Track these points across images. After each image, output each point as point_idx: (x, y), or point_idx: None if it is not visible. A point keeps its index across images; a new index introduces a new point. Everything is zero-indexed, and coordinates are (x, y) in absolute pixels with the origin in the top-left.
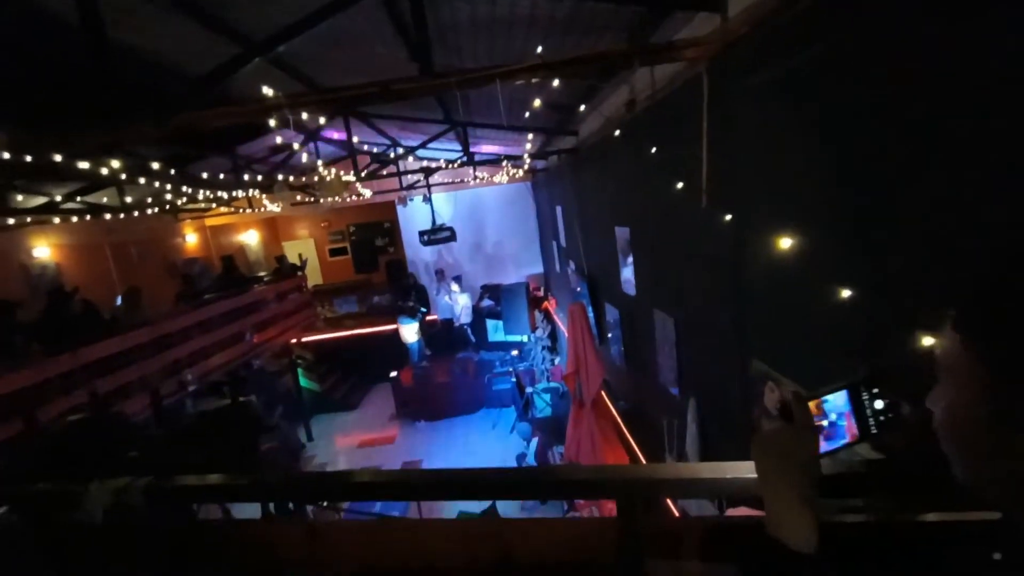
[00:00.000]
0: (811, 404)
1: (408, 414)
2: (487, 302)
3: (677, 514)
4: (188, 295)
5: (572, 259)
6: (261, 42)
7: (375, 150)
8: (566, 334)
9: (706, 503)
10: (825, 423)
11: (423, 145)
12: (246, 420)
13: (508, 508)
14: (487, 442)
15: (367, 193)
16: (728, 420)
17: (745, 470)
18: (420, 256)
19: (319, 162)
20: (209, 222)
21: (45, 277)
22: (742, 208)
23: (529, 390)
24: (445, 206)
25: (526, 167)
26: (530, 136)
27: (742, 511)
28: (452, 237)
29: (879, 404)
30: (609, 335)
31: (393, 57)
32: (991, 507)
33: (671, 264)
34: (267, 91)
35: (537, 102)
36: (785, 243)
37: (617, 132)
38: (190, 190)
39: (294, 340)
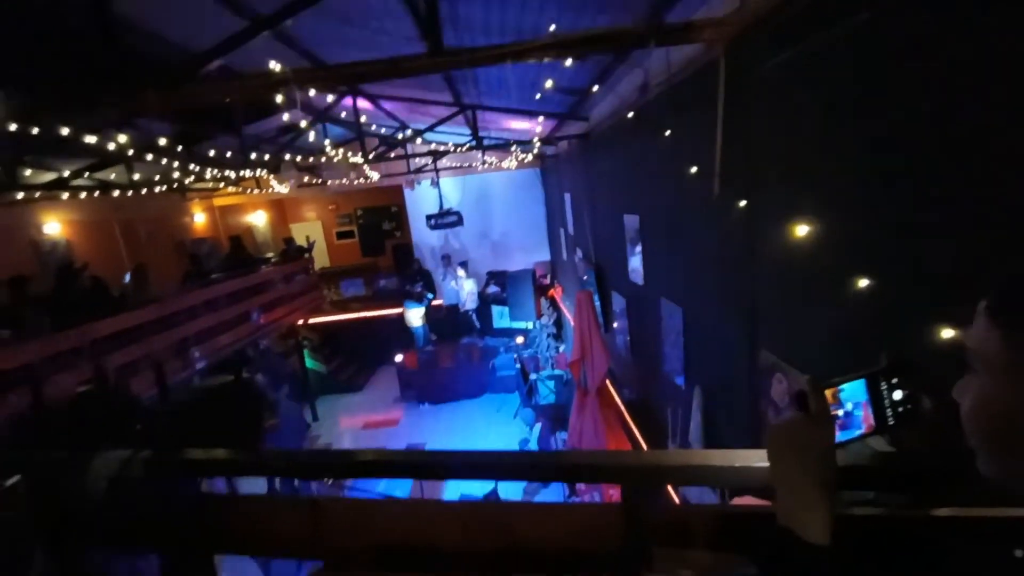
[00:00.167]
0: (827, 393)
1: (412, 397)
2: (493, 288)
3: (678, 501)
4: (195, 275)
5: (580, 247)
6: (268, 15)
7: (383, 131)
8: (572, 322)
9: (707, 491)
10: (841, 412)
11: (431, 128)
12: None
13: (509, 493)
14: (490, 427)
15: (375, 176)
16: (734, 411)
17: (755, 459)
18: (427, 241)
19: (327, 143)
20: (217, 202)
21: (55, 253)
22: (756, 195)
23: (533, 377)
24: (453, 191)
25: (535, 152)
26: (540, 120)
27: (747, 500)
28: (459, 222)
29: (898, 395)
30: (615, 324)
31: (402, 35)
32: (1020, 503)
33: (680, 253)
34: (274, 66)
35: (549, 83)
36: (801, 230)
37: (630, 115)
38: (197, 168)
39: (300, 322)
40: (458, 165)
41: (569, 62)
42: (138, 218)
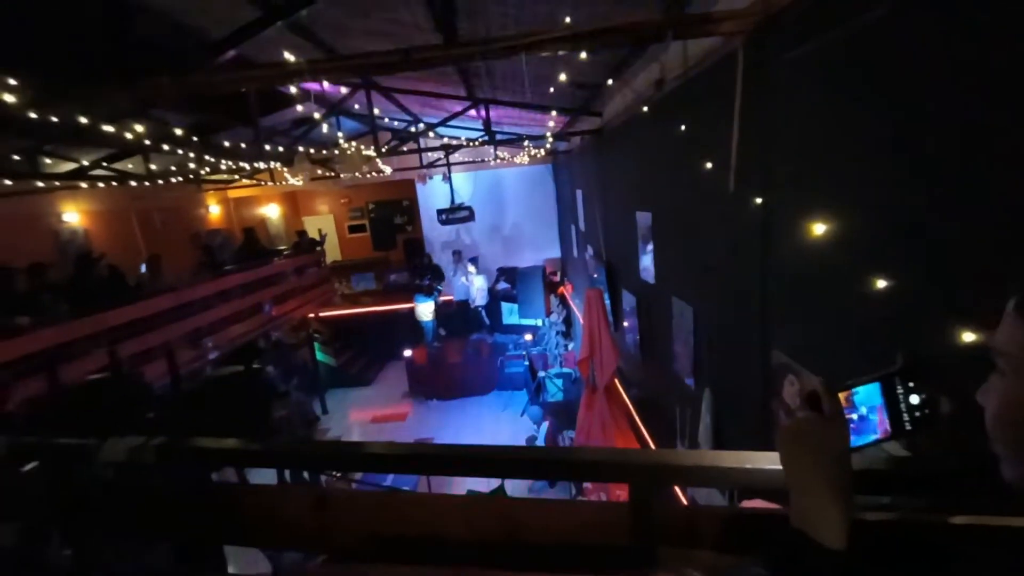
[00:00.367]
0: (841, 396)
1: (420, 392)
2: (503, 285)
3: (685, 502)
4: (208, 266)
5: (591, 244)
6: (283, 5)
7: (396, 125)
8: (581, 320)
9: (715, 493)
10: (855, 416)
11: (444, 122)
12: (259, 387)
13: (515, 491)
14: (498, 423)
15: (387, 170)
16: (744, 412)
17: (766, 461)
18: (438, 235)
19: (340, 136)
20: (232, 194)
21: (74, 242)
22: (772, 192)
23: (541, 374)
24: (464, 185)
25: (547, 148)
26: (553, 115)
27: (757, 503)
28: (470, 217)
29: (915, 399)
30: (625, 322)
31: (417, 26)
32: None
33: (693, 251)
34: (288, 56)
35: (563, 76)
36: (818, 228)
37: (645, 109)
38: (213, 159)
39: (311, 314)
40: (470, 160)
41: (584, 55)
42: (154, 208)
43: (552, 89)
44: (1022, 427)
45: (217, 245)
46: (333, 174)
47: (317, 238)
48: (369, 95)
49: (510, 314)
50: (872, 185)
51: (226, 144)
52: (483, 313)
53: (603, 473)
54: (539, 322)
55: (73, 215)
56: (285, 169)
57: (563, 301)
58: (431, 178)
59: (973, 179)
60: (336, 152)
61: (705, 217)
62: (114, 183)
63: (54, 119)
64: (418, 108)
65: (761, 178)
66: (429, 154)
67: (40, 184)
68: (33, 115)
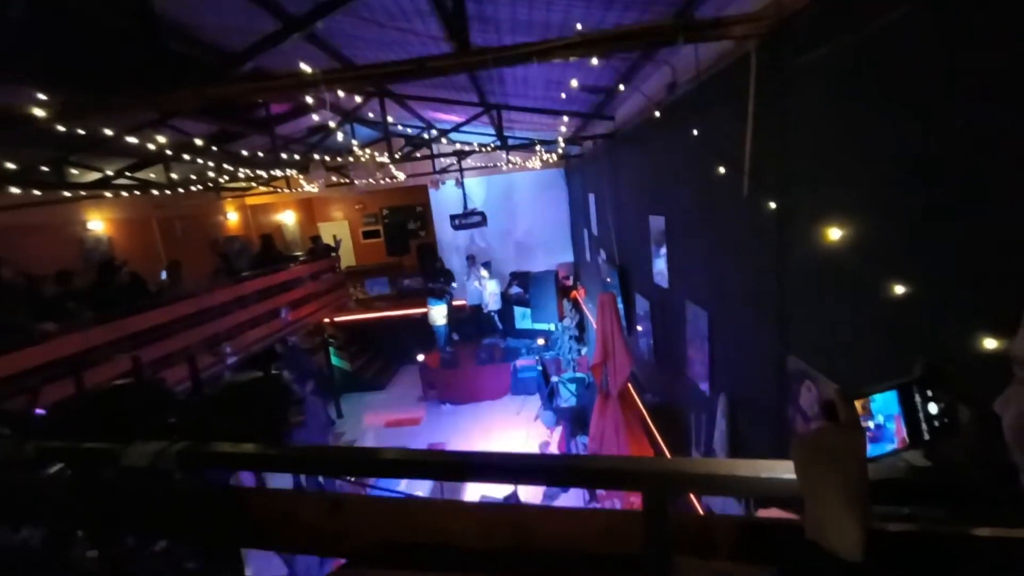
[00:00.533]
0: (857, 404)
1: (434, 397)
2: (515, 289)
3: (700, 510)
4: (225, 272)
5: (603, 248)
6: (300, 17)
7: (409, 132)
8: (595, 324)
9: (731, 501)
10: (871, 425)
11: (457, 128)
12: (277, 392)
13: (529, 497)
14: (511, 428)
15: (400, 176)
16: (760, 418)
17: (782, 470)
18: (451, 240)
19: (354, 143)
20: (249, 201)
21: (98, 249)
22: (787, 195)
23: (554, 379)
24: (477, 190)
25: (559, 152)
26: (565, 120)
27: (773, 512)
28: (483, 222)
29: (933, 408)
30: (639, 327)
31: (430, 35)
32: None
33: (707, 255)
34: (304, 67)
35: (574, 82)
36: (834, 232)
37: (657, 113)
38: (231, 168)
39: (327, 319)
40: (483, 165)
41: (595, 61)
42: (175, 216)
43: (564, 94)
44: None
45: (235, 251)
46: (348, 181)
47: (332, 244)
48: (383, 103)
49: (523, 318)
50: (888, 189)
51: (244, 152)
52: (496, 318)
53: (616, 481)
54: (552, 327)
55: (97, 223)
56: (301, 176)
57: (576, 305)
58: (444, 184)
59: (992, 182)
60: (351, 159)
61: (719, 221)
62: (136, 192)
63: (81, 131)
64: (431, 114)
65: (776, 182)
66: (442, 160)
67: (66, 194)
68: (61, 128)
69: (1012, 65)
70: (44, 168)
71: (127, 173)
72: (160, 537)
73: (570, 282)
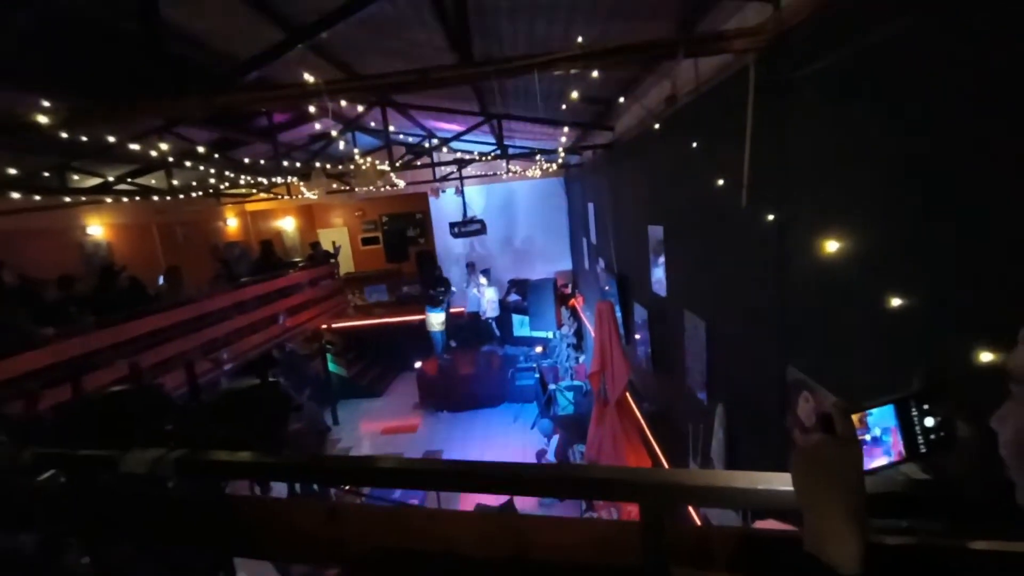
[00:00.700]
0: (854, 417)
1: (431, 404)
2: (514, 297)
3: (699, 521)
4: (224, 278)
5: (602, 257)
6: (305, 27)
7: (410, 140)
8: (592, 332)
9: (730, 512)
10: (867, 438)
11: (458, 137)
12: (274, 399)
13: (526, 506)
14: (508, 436)
15: (401, 183)
16: (758, 429)
17: (779, 482)
18: (450, 248)
19: (356, 151)
20: (249, 207)
21: (98, 254)
22: (785, 208)
23: (552, 387)
24: (477, 199)
25: (559, 162)
26: (565, 130)
27: (770, 523)
28: (482, 230)
29: (930, 422)
30: (636, 335)
31: (433, 45)
32: None
33: (705, 265)
34: (308, 77)
35: (575, 94)
36: (832, 245)
37: (656, 126)
38: (232, 175)
39: (324, 326)
40: (483, 174)
41: (596, 73)
42: (175, 222)
43: (564, 105)
44: None
45: (235, 257)
46: (348, 188)
47: (331, 250)
48: (384, 112)
49: (521, 326)
50: (886, 201)
51: (246, 160)
52: (494, 325)
53: (613, 492)
54: (550, 334)
55: (97, 228)
56: (302, 183)
57: (574, 313)
58: (444, 191)
59: (991, 196)
60: (352, 167)
61: (718, 232)
62: (137, 197)
63: (84, 138)
64: (432, 123)
65: (774, 194)
66: (442, 168)
67: (67, 199)
68: (64, 135)
69: (1011, 78)
70: (46, 174)
71: (128, 179)
72: (156, 544)
73: (568, 290)
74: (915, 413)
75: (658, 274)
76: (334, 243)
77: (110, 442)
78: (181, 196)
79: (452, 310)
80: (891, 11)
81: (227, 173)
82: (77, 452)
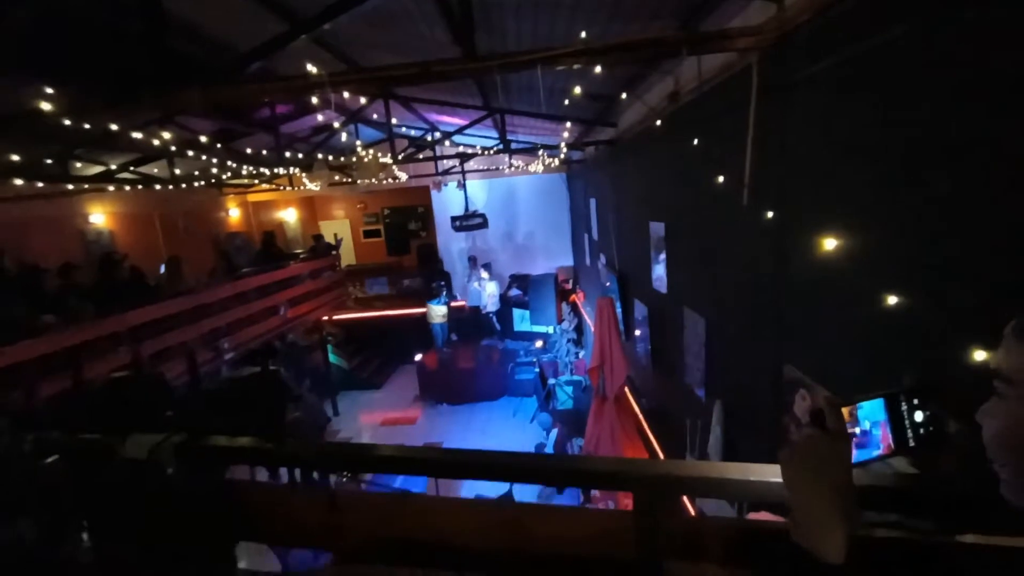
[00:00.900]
0: (844, 411)
1: (431, 397)
2: (515, 291)
3: (693, 513)
4: (224, 270)
5: (603, 253)
6: (308, 19)
7: (413, 133)
8: (592, 328)
9: (724, 504)
10: (857, 431)
11: (460, 131)
12: (274, 388)
13: (524, 495)
14: (507, 429)
15: (403, 176)
16: (755, 425)
17: (771, 474)
18: (452, 242)
19: (358, 143)
20: (251, 198)
21: (99, 243)
22: (786, 207)
23: (552, 382)
24: (479, 193)
25: (562, 157)
26: (568, 125)
27: (764, 515)
28: (484, 224)
29: (919, 416)
30: (636, 332)
31: (436, 39)
32: None
33: (706, 263)
34: (311, 68)
35: (577, 90)
36: (831, 244)
37: (658, 123)
38: (234, 165)
39: (325, 317)
40: (485, 168)
41: (598, 69)
42: (177, 211)
43: (567, 101)
44: (1020, 450)
45: (237, 248)
46: (350, 180)
47: (333, 242)
48: (387, 104)
49: (521, 321)
50: (885, 202)
51: (248, 151)
52: (494, 319)
53: (606, 482)
54: (550, 329)
55: (99, 216)
56: (304, 175)
57: (575, 309)
58: (446, 185)
59: (988, 196)
60: (354, 159)
61: (719, 230)
62: (139, 186)
63: (86, 125)
64: (435, 117)
65: (775, 193)
66: (444, 162)
67: (69, 187)
68: (67, 122)
69: (1008, 83)
70: (48, 161)
71: (131, 167)
72: (156, 529)
73: (569, 285)
74: (905, 408)
75: (659, 271)
76: (336, 235)
77: (110, 428)
78: (183, 186)
79: (453, 304)
80: (893, 12)
81: (229, 163)
82: (77, 437)
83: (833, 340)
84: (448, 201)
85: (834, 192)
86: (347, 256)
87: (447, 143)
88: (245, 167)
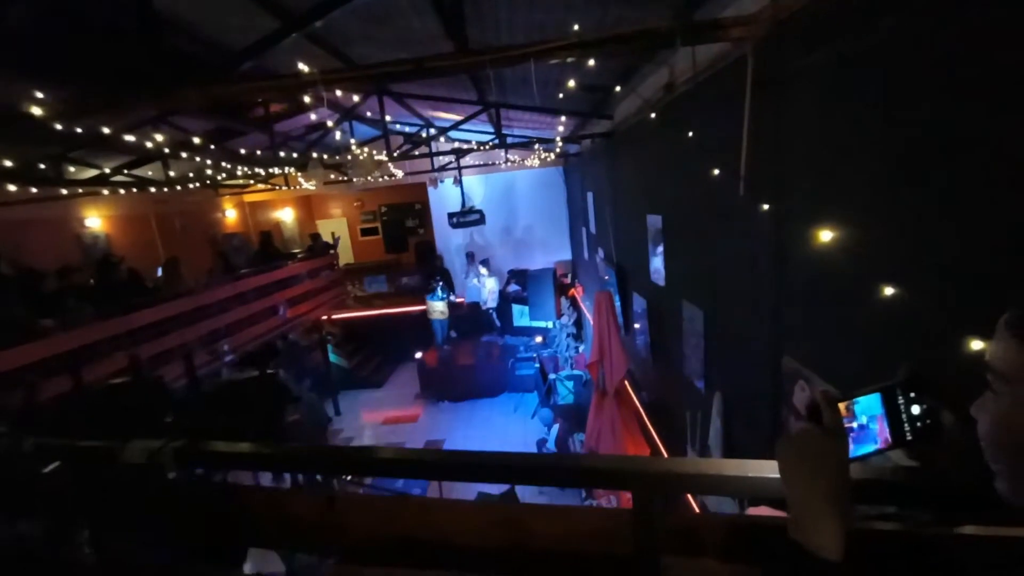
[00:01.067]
0: (841, 406)
1: (432, 394)
2: (513, 287)
3: (696, 507)
4: (222, 271)
5: (601, 246)
6: (300, 16)
7: (408, 130)
8: (592, 322)
9: (727, 499)
10: (854, 425)
11: (456, 126)
12: (273, 391)
13: (526, 492)
14: (508, 425)
15: (399, 174)
16: (754, 416)
17: (769, 469)
18: (450, 238)
19: (352, 141)
20: (247, 198)
21: (97, 246)
22: (783, 199)
23: (552, 376)
24: (476, 189)
25: (558, 151)
26: (563, 119)
27: (763, 510)
28: (481, 220)
29: (916, 409)
30: (635, 325)
31: (429, 33)
32: None
33: (703, 255)
34: (303, 67)
35: (572, 83)
36: (828, 235)
37: (653, 116)
38: (229, 165)
39: (325, 317)
40: (481, 163)
41: (592, 61)
42: (174, 213)
43: (562, 94)
44: (1014, 446)
45: (234, 248)
46: (346, 178)
47: (330, 241)
48: (381, 101)
49: (520, 316)
50: (881, 192)
51: (242, 151)
52: (494, 315)
53: (604, 480)
54: (549, 324)
55: (95, 220)
56: (299, 174)
57: (574, 303)
58: (442, 181)
59: (984, 188)
60: (349, 157)
61: (716, 222)
62: (134, 189)
63: (78, 129)
64: (429, 112)
65: (772, 184)
66: (440, 158)
67: (64, 191)
68: (59, 126)
69: (1002, 74)
70: (42, 165)
71: (125, 170)
72: (157, 533)
73: (568, 280)
74: (901, 401)
75: (657, 264)
76: (333, 234)
77: (111, 433)
78: (178, 187)
79: (452, 300)
80: (886, 5)
81: (224, 164)
82: (78, 443)
83: (831, 331)
84: (445, 197)
85: (831, 181)
86: (345, 255)
87: (442, 139)
88: (240, 167)
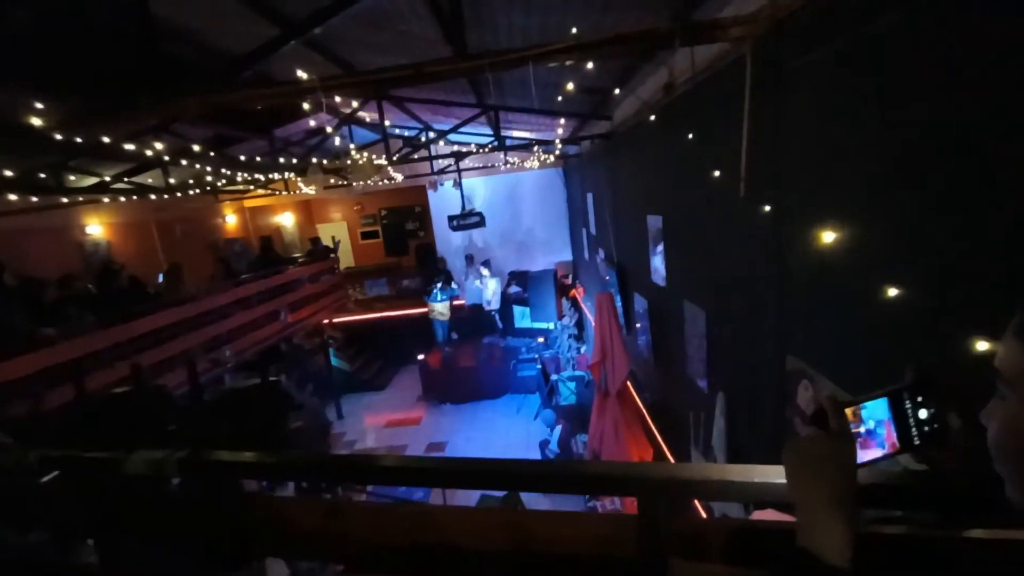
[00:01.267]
0: (847, 411)
1: (434, 396)
2: (514, 288)
3: (702, 511)
4: (223, 276)
5: (602, 247)
6: (299, 23)
7: (407, 134)
8: (593, 323)
9: (733, 503)
10: (861, 430)
11: (455, 129)
12: (275, 398)
13: (528, 494)
14: (511, 427)
15: (398, 177)
16: (757, 416)
17: (775, 474)
18: (450, 241)
19: (352, 146)
20: (248, 203)
21: (98, 253)
22: (784, 198)
23: (554, 378)
24: (476, 191)
25: (557, 152)
26: (562, 121)
27: (769, 514)
28: (481, 222)
29: (924, 414)
30: (637, 325)
31: (427, 39)
32: None
33: (704, 255)
34: (302, 74)
35: (571, 85)
36: (830, 235)
37: (653, 117)
38: (229, 172)
39: (326, 321)
40: (481, 166)
41: (591, 64)
42: (174, 219)
43: (561, 96)
44: (1021, 450)
45: (235, 254)
46: (346, 183)
47: (331, 245)
48: (380, 105)
49: (522, 317)
50: (883, 191)
51: (242, 157)
52: (496, 316)
53: (610, 487)
54: (551, 325)
55: (96, 227)
56: (299, 179)
57: (575, 304)
58: (442, 184)
59: (987, 187)
60: (348, 161)
61: (716, 222)
62: (135, 196)
63: (78, 139)
64: (428, 116)
65: (772, 184)
66: (440, 161)
67: (64, 199)
68: (59, 136)
69: (1004, 72)
70: (42, 175)
71: (125, 178)
72: (160, 543)
73: (569, 281)
74: (908, 405)
75: (657, 264)
76: (333, 238)
77: (114, 443)
78: (179, 194)
79: (454, 301)
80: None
81: (224, 170)
82: (82, 454)
83: (834, 330)
84: (445, 200)
85: (832, 181)
86: (345, 258)
87: (441, 142)
88: (240, 173)
